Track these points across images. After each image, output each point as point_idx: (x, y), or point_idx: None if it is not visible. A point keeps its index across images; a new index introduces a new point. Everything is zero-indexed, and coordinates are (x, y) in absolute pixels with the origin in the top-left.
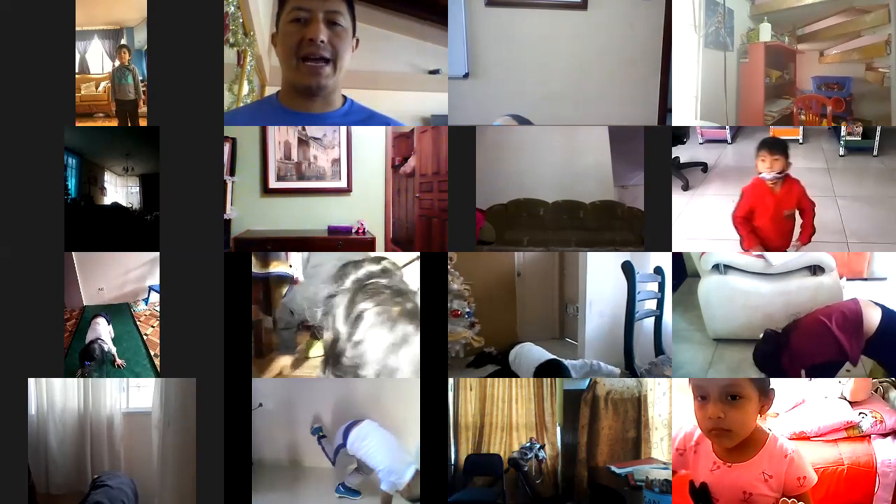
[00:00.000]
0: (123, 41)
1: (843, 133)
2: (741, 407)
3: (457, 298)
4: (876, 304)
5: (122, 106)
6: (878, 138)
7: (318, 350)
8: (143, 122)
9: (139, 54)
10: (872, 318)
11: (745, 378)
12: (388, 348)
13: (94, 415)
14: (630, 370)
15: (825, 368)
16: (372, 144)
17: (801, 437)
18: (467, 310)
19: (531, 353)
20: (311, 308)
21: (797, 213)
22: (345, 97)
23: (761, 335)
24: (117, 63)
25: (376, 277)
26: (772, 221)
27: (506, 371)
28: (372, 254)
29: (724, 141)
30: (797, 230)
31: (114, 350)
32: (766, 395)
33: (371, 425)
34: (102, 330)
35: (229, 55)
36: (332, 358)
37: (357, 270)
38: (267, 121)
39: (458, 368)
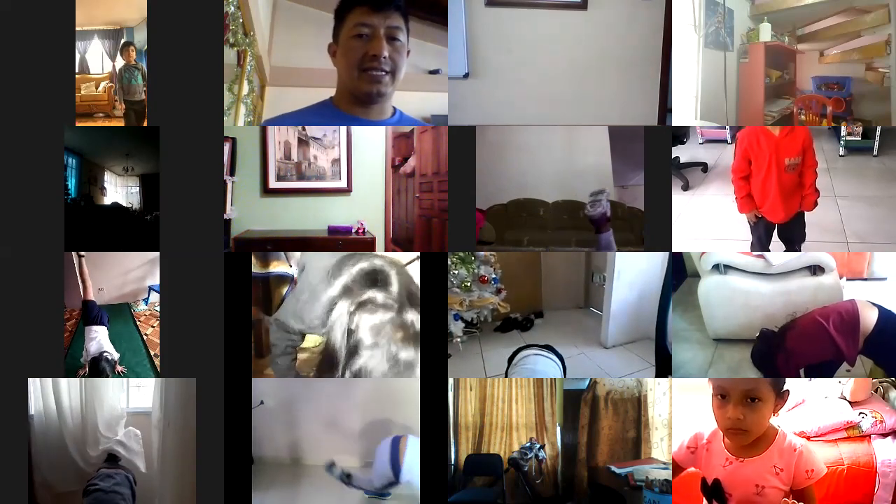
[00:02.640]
0: (127, 39)
1: (843, 133)
2: (759, 409)
3: (483, 265)
4: (873, 304)
5: (132, 106)
6: (878, 138)
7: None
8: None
9: (139, 54)
10: (869, 318)
11: (763, 379)
12: (386, 373)
13: (94, 415)
14: (661, 348)
15: (822, 369)
16: (372, 144)
17: (801, 437)
18: (494, 276)
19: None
20: (305, 320)
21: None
22: (394, 108)
23: (757, 334)
24: (123, 62)
25: (375, 288)
26: (772, 173)
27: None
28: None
29: (724, 141)
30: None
31: (116, 356)
32: (781, 396)
33: (415, 442)
34: (104, 339)
35: (229, 55)
36: (327, 366)
37: (353, 266)
38: (327, 123)
39: (486, 332)
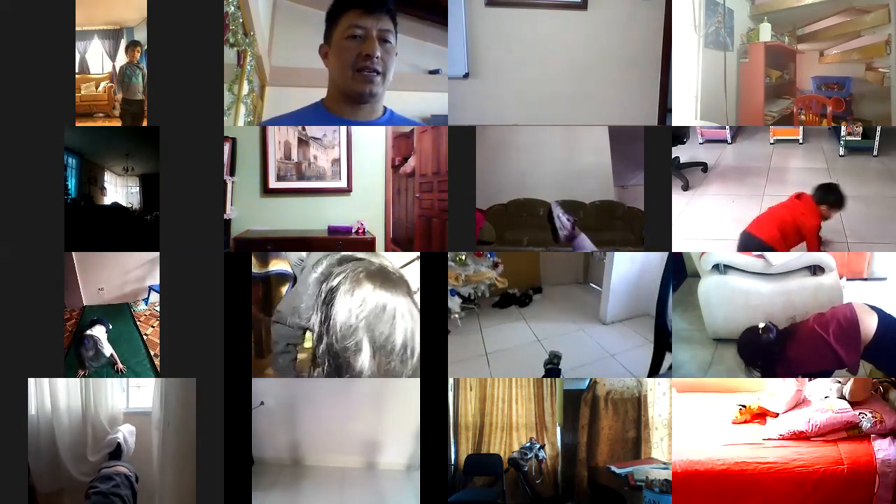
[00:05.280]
0: (134, 38)
1: (843, 133)
2: None
3: None
4: (871, 308)
5: (130, 106)
6: (878, 138)
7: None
8: (144, 122)
9: (141, 55)
10: (869, 325)
11: None
12: (353, 315)
13: (94, 415)
14: (661, 325)
15: (821, 374)
16: (372, 144)
17: (801, 436)
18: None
19: None
20: (301, 314)
21: None
22: (384, 107)
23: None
24: (125, 60)
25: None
26: None
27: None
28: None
29: (724, 141)
30: None
31: (112, 352)
32: None
33: None
34: (99, 333)
35: (229, 55)
36: (317, 358)
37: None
38: (318, 125)
39: (484, 308)
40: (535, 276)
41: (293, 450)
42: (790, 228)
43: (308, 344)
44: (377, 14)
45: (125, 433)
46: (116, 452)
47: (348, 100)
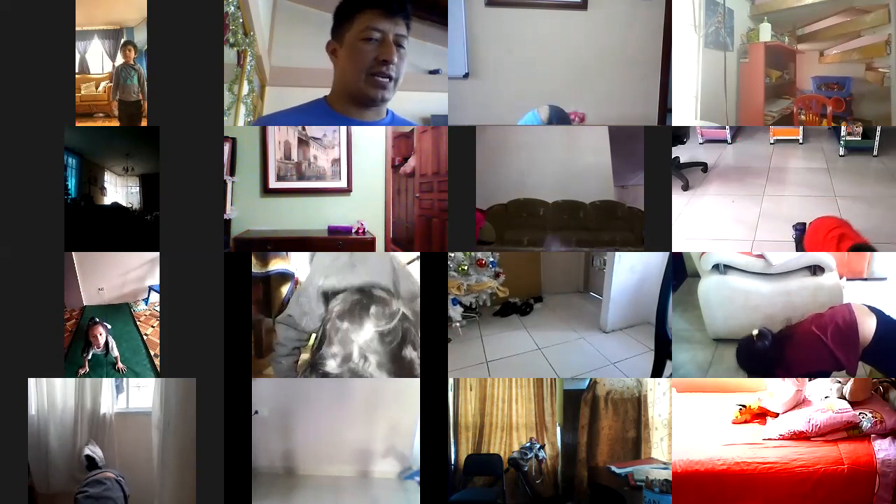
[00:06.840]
0: (134, 38)
1: (843, 133)
2: None
3: None
4: (870, 309)
5: (126, 108)
6: (878, 138)
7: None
8: (143, 122)
9: (140, 54)
10: (868, 327)
11: None
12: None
13: (94, 415)
14: (661, 333)
15: (819, 374)
16: (372, 144)
17: (801, 436)
18: (491, 259)
19: None
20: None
21: None
22: (386, 109)
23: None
24: (121, 61)
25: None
26: None
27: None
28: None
29: (724, 141)
30: None
31: (116, 353)
32: None
33: None
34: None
35: (229, 55)
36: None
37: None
38: (320, 122)
39: (485, 317)
40: (536, 285)
41: (286, 458)
42: (827, 241)
43: (309, 343)
44: (395, 18)
45: (89, 449)
46: (92, 464)
47: (356, 102)
